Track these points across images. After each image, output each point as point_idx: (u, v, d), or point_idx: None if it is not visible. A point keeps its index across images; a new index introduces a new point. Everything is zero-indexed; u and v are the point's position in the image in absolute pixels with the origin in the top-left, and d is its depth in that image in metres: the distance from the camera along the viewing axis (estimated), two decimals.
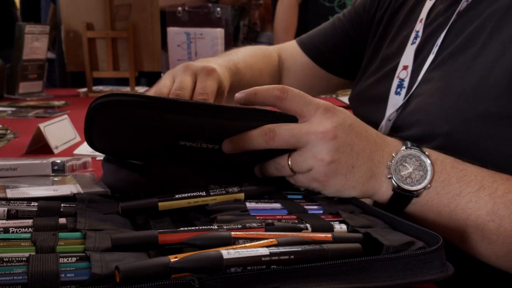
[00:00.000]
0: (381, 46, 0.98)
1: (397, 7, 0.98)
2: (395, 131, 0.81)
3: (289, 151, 0.64)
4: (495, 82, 0.68)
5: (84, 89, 2.14)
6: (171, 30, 1.89)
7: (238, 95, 0.65)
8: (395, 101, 0.83)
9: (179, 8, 1.89)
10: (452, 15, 0.80)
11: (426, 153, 0.63)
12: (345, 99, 1.73)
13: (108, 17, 2.02)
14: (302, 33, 2.60)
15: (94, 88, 2.20)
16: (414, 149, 0.64)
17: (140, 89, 2.25)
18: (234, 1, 2.58)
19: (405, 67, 0.85)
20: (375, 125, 0.84)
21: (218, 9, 1.87)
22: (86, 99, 2.01)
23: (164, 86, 0.78)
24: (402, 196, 0.63)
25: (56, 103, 1.76)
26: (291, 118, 0.64)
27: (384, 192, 0.63)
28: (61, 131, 1.09)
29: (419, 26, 0.87)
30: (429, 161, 0.63)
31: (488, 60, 0.71)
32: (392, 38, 0.95)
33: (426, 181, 0.62)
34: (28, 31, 1.94)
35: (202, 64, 0.81)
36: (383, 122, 0.83)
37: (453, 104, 0.71)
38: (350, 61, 1.09)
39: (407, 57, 0.85)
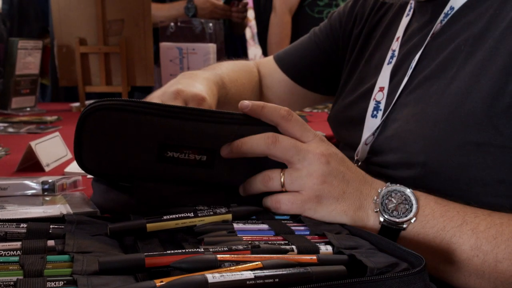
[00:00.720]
0: (358, 64, 0.98)
1: (374, 24, 0.98)
2: (372, 154, 0.81)
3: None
4: (471, 108, 0.68)
5: (77, 104, 2.15)
6: (164, 45, 1.90)
7: (243, 103, 0.66)
8: (371, 124, 0.83)
9: (171, 24, 1.90)
10: (426, 36, 0.80)
11: (410, 189, 0.65)
12: None
13: (100, 32, 2.03)
14: None
15: (87, 102, 2.20)
16: (399, 185, 0.65)
17: None
18: (211, 14, 2.61)
19: (381, 89, 0.85)
20: (353, 147, 0.85)
21: (210, 24, 1.89)
22: (79, 114, 2.01)
23: None
24: (389, 230, 0.63)
25: (49, 118, 1.77)
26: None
27: (372, 226, 0.64)
28: (53, 148, 1.10)
29: (395, 45, 0.87)
30: (413, 196, 0.64)
31: (463, 86, 0.70)
32: (369, 56, 0.95)
33: (411, 214, 0.63)
34: (21, 46, 1.95)
35: (192, 92, 0.80)
36: (360, 146, 0.83)
37: (429, 132, 0.71)
38: (328, 77, 1.09)
39: (383, 78, 0.85)
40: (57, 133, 1.16)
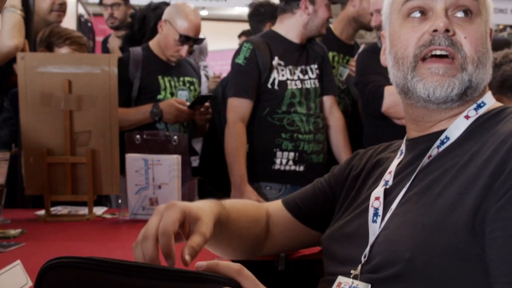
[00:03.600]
0: (357, 198, 1.11)
1: (372, 166, 1.14)
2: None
3: None
4: (456, 220, 0.82)
5: (42, 212, 2.16)
6: (130, 157, 1.95)
7: (198, 263, 0.73)
8: (373, 229, 0.95)
9: (137, 136, 1.97)
10: (417, 167, 0.95)
11: None
12: None
13: (68, 143, 2.08)
14: (251, 150, 2.61)
15: (53, 209, 2.22)
16: None
17: (99, 210, 2.28)
18: (176, 118, 2.68)
19: (377, 198, 0.98)
20: (346, 262, 0.96)
21: (175, 137, 1.96)
22: (44, 224, 2.02)
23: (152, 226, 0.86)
24: None
25: (12, 232, 1.78)
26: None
27: None
28: (13, 278, 1.11)
29: (388, 177, 1.02)
30: None
31: (450, 201, 0.84)
32: (366, 190, 1.09)
33: None
34: None
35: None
36: (366, 250, 0.93)
37: (417, 235, 0.84)
38: (327, 217, 1.20)
39: (378, 192, 0.99)
40: (18, 262, 1.17)
